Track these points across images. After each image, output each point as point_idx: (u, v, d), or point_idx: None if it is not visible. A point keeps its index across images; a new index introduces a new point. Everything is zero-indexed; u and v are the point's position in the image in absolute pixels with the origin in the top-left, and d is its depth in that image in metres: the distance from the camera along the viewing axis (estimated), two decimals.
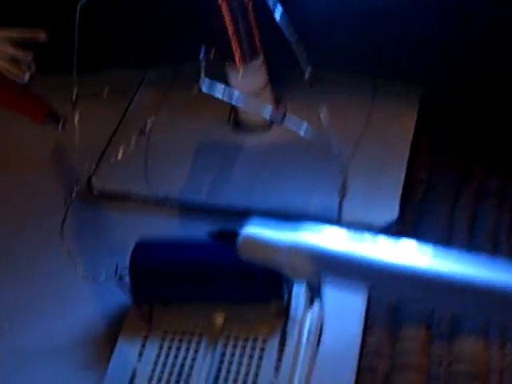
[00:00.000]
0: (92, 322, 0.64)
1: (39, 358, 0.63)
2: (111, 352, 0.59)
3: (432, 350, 0.59)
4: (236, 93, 0.65)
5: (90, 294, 0.65)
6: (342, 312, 0.61)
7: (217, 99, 0.63)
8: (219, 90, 0.63)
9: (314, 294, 0.59)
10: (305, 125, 0.61)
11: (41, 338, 0.65)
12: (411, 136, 0.69)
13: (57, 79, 0.70)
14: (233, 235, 0.49)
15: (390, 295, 0.50)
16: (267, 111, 0.68)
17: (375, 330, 0.60)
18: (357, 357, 0.57)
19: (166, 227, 0.68)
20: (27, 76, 0.61)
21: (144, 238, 0.59)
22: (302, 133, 0.61)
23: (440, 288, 0.41)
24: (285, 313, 0.58)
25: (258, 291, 0.57)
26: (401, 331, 0.61)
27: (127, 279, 0.58)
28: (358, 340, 0.59)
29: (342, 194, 0.62)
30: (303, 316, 0.59)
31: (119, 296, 0.60)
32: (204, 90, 0.62)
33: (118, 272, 0.59)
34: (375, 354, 0.59)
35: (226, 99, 0.63)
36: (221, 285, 0.58)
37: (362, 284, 0.46)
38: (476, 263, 0.40)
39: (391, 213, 0.64)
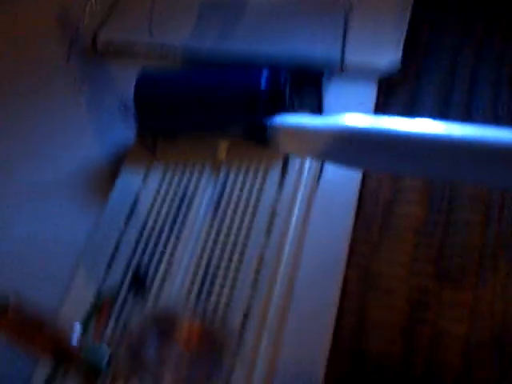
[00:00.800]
0: (96, 155, 0.64)
1: (44, 193, 0.64)
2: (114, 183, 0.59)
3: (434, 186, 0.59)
4: None
5: (95, 127, 0.65)
6: None
7: None
8: None
9: None
10: None
11: (45, 172, 0.65)
12: None
13: None
14: (262, 128, 0.49)
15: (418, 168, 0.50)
16: None
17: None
18: (358, 185, 0.58)
19: None
20: None
21: (147, 68, 0.59)
22: None
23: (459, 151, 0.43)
24: None
25: (261, 117, 0.57)
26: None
27: (131, 110, 0.58)
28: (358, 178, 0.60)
29: (345, 38, 0.62)
30: None
31: (123, 131, 0.61)
32: None
33: (123, 102, 0.59)
34: (378, 184, 0.60)
35: None
36: (223, 109, 0.58)
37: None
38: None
39: (394, 55, 0.64)
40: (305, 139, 0.48)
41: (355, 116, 0.47)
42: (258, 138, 0.51)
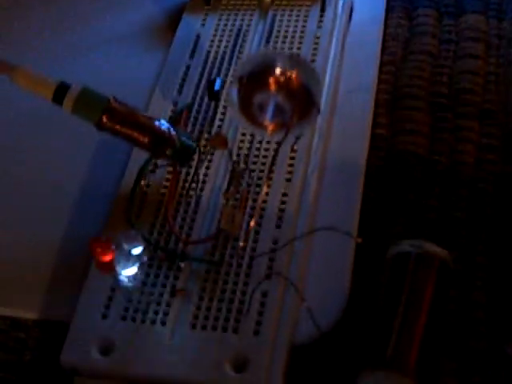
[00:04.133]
0: (154, 10, 0.76)
1: (103, 46, 0.75)
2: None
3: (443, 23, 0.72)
4: None
5: None
6: None
7: None
8: None
9: None
10: None
11: (105, 27, 0.76)
12: None
13: None
14: None
15: None
16: None
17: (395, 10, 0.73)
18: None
19: None
20: None
21: None
22: None
23: None
24: None
25: None
26: (416, 11, 0.74)
27: None
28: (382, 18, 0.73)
29: None
30: None
31: None
32: None
33: None
34: (396, 26, 0.73)
35: None
36: None
37: None
38: None
39: None
40: None
41: None
42: None
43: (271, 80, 0.53)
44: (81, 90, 0.55)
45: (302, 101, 0.55)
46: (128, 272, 0.49)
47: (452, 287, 0.54)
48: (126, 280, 0.50)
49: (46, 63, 0.71)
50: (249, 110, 0.56)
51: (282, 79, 0.52)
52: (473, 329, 0.53)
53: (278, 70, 0.52)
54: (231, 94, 0.55)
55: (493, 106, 0.66)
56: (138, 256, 0.49)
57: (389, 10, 0.74)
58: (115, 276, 0.50)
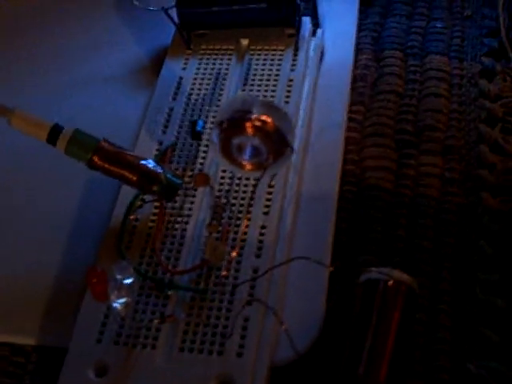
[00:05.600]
0: (139, 53, 0.81)
1: (91, 86, 0.80)
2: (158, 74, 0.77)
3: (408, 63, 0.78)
4: None
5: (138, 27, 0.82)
6: (339, 39, 0.79)
7: None
8: None
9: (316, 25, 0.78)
10: None
11: (93, 68, 0.82)
12: None
13: None
14: None
15: None
16: None
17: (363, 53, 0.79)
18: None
19: None
20: None
21: None
22: None
23: None
24: (296, 34, 0.76)
25: (276, 17, 0.75)
26: (383, 53, 0.80)
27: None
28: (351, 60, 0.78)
29: None
30: (309, 37, 0.77)
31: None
32: None
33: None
34: (365, 68, 0.78)
35: None
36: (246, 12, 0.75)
37: None
38: None
39: None
40: None
41: None
42: None
43: (248, 125, 0.58)
44: (73, 132, 0.60)
45: (276, 142, 0.59)
46: (120, 300, 0.54)
47: (419, 311, 0.59)
48: (118, 307, 0.54)
49: (35, 102, 0.76)
50: (229, 151, 0.61)
51: (258, 124, 0.57)
52: (438, 348, 0.58)
53: (254, 116, 0.57)
54: (212, 136, 0.60)
55: (455, 141, 0.70)
56: (130, 285, 0.53)
57: (357, 52, 0.79)
58: (109, 304, 0.54)
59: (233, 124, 0.61)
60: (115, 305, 0.55)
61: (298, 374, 0.57)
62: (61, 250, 0.68)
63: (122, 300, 0.55)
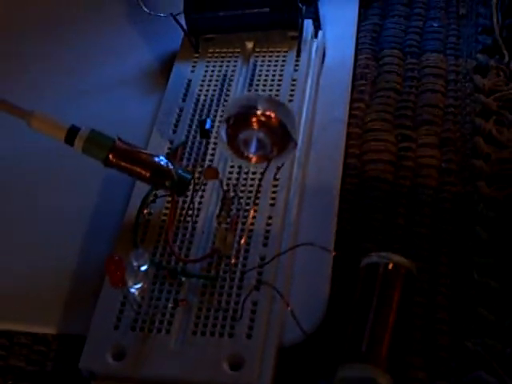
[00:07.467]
0: (149, 57, 0.85)
1: (105, 90, 0.84)
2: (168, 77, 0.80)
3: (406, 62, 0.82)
4: None
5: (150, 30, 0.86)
6: (340, 40, 0.83)
7: None
8: None
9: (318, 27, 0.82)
10: None
11: (107, 72, 0.86)
12: None
13: None
14: None
15: None
16: None
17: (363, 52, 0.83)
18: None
19: None
20: None
21: None
22: None
23: None
24: (298, 36, 0.79)
25: (279, 20, 0.79)
26: (382, 52, 0.83)
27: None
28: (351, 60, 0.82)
29: None
30: (311, 39, 0.81)
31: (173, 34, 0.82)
32: None
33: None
34: (365, 67, 0.82)
35: None
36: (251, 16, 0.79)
37: None
38: None
39: None
40: None
41: None
42: None
43: (253, 120, 0.61)
44: (89, 132, 0.63)
45: (280, 136, 0.63)
46: (137, 285, 0.57)
47: (419, 294, 0.62)
48: (135, 293, 0.58)
49: (51, 105, 0.79)
50: (235, 146, 0.64)
51: (262, 119, 0.61)
52: (437, 328, 0.61)
53: (259, 111, 0.61)
54: (221, 132, 0.63)
55: (451, 134, 0.74)
56: (146, 272, 0.57)
57: (357, 51, 0.83)
58: (125, 291, 0.58)
59: (239, 119, 0.64)
60: (132, 290, 0.58)
61: (305, 352, 0.60)
62: (78, 244, 0.71)
63: (139, 285, 0.58)
